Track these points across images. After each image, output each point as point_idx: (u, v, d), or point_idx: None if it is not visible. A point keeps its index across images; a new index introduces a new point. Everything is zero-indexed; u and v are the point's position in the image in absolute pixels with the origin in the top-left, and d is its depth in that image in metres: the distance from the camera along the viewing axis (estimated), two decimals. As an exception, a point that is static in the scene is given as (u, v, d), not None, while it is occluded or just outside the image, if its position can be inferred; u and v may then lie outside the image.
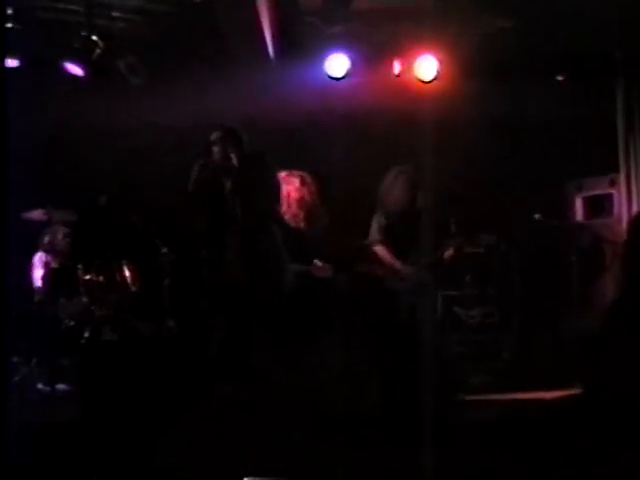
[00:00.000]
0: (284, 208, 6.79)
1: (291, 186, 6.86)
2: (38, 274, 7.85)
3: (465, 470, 4.16)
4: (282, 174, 6.75)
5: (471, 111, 8.07)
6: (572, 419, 3.89)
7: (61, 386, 7.29)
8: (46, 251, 8.01)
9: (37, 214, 7.88)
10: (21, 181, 8.01)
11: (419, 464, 4.11)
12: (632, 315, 3.52)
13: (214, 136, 6.35)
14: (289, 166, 6.85)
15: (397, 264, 7.02)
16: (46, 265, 7.85)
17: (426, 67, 7.95)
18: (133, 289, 7.75)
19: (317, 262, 6.79)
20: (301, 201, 6.88)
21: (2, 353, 3.55)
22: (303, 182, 6.91)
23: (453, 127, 7.69)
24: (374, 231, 7.14)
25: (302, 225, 6.89)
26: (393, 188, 7.07)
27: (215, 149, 6.35)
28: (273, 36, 7.41)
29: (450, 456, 4.27)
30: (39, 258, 8.01)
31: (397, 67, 8.00)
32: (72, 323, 7.53)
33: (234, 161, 6.31)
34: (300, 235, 6.82)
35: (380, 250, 7.09)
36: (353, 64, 7.84)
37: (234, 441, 2.94)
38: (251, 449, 2.94)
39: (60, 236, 8.07)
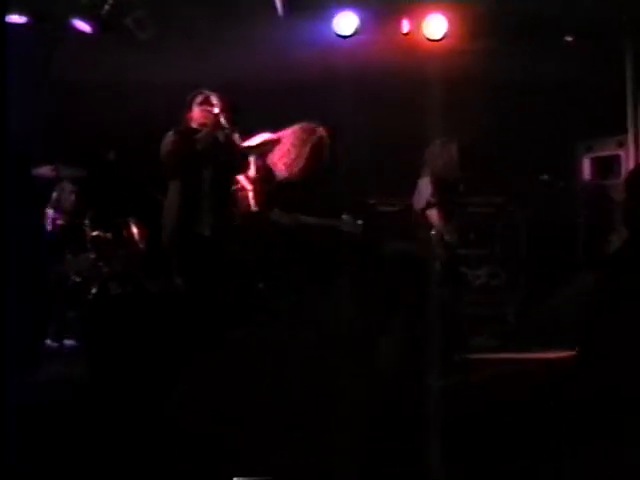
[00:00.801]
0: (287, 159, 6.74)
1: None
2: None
3: (468, 432, 4.20)
4: (295, 127, 6.74)
5: (479, 71, 8.05)
6: (573, 379, 3.91)
7: (69, 342, 7.34)
8: (54, 208, 8.04)
9: (46, 170, 7.89)
10: (30, 137, 8.11)
11: (423, 421, 4.15)
12: (632, 268, 3.52)
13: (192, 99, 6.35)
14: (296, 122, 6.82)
15: (447, 228, 7.04)
16: (53, 221, 7.87)
17: (435, 26, 7.91)
18: (140, 246, 7.76)
19: (345, 217, 6.81)
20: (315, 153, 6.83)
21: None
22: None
23: (461, 86, 7.67)
24: (425, 196, 7.11)
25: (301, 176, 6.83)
26: (441, 156, 7.08)
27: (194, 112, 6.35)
28: (281, -7, 7.39)
29: (453, 414, 4.30)
30: (47, 214, 8.04)
31: (406, 25, 7.96)
32: (79, 279, 7.59)
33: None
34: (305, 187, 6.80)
35: (433, 214, 7.08)
36: (361, 22, 7.81)
37: (245, 389, 2.93)
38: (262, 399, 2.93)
39: (67, 193, 8.08)
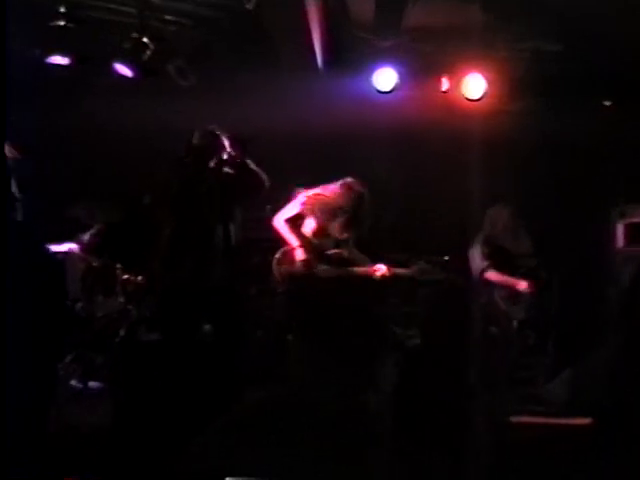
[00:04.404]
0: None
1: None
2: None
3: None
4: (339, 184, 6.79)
5: (517, 131, 8.04)
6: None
7: (93, 383, 7.32)
8: (84, 250, 8.07)
9: (80, 212, 7.93)
10: (66, 179, 8.16)
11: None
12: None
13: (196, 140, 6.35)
14: (334, 178, 6.85)
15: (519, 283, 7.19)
16: (85, 263, 7.90)
17: (474, 85, 7.94)
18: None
19: (380, 266, 6.83)
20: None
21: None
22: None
23: (499, 146, 7.66)
24: (480, 257, 7.22)
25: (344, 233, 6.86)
26: (499, 219, 7.18)
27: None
28: (322, 47, 7.43)
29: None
30: (76, 256, 8.07)
31: (445, 84, 7.99)
32: (107, 321, 7.59)
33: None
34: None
35: (493, 275, 7.22)
36: (401, 78, 7.85)
37: (262, 445, 2.91)
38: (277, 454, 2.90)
39: (99, 235, 8.12)
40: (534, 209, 8.28)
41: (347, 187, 6.84)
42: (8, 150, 4.61)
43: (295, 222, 6.88)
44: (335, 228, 6.84)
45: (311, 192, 6.86)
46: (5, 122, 3.67)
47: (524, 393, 7.45)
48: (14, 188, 4.67)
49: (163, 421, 5.34)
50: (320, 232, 6.85)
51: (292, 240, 6.83)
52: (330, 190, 6.85)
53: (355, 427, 2.61)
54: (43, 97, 8.11)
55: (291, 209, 6.89)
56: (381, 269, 6.85)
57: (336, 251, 6.85)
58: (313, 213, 6.86)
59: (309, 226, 6.88)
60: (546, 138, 8.22)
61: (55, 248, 7.85)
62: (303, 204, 6.86)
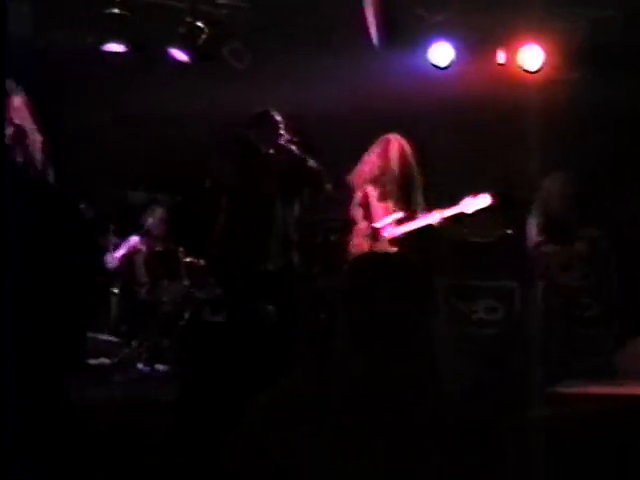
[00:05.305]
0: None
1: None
2: (118, 254, 8.05)
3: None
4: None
5: (575, 101, 7.95)
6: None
7: (160, 366, 7.42)
8: (146, 234, 8.17)
9: (140, 196, 8.03)
10: (127, 165, 8.24)
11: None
12: None
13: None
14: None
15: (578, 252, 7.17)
16: (148, 248, 8.01)
17: (531, 56, 7.84)
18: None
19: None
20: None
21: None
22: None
23: (557, 117, 7.58)
24: (536, 230, 7.17)
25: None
26: (553, 192, 7.14)
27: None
28: (377, 24, 7.41)
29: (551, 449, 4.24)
30: (134, 241, 8.19)
31: (501, 56, 7.92)
32: (172, 305, 7.69)
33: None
34: None
35: (550, 247, 7.16)
36: (457, 53, 7.80)
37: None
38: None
39: (160, 220, 8.21)
40: (592, 179, 8.21)
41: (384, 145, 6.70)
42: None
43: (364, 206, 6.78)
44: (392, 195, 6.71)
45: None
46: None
47: (588, 364, 7.43)
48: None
49: (227, 402, 5.40)
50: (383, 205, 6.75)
51: (360, 229, 6.77)
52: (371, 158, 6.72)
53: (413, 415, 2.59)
54: (100, 85, 8.21)
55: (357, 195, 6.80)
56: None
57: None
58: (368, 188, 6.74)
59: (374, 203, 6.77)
60: (603, 107, 8.11)
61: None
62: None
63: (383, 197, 6.62)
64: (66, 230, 4.65)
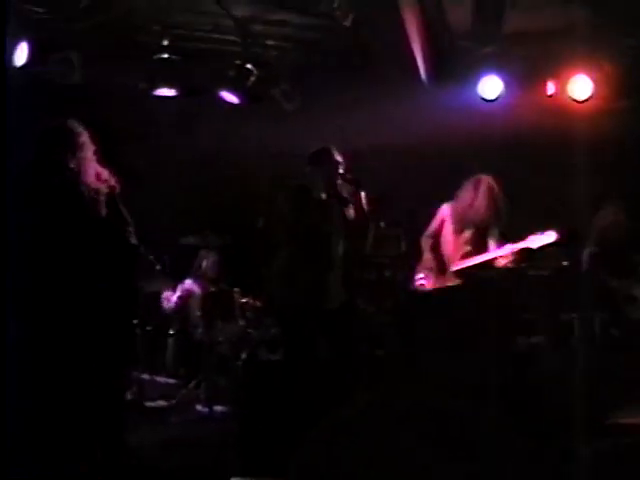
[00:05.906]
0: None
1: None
2: (174, 297, 8.13)
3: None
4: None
5: (624, 130, 7.90)
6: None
7: (218, 407, 7.42)
8: (200, 277, 8.24)
9: (195, 239, 8.09)
10: (180, 207, 8.31)
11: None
12: None
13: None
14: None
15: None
16: (203, 290, 8.06)
17: (580, 87, 7.81)
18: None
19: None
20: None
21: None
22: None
23: (608, 146, 7.53)
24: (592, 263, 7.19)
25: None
26: (607, 223, 7.21)
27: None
28: (424, 59, 7.41)
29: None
30: (188, 284, 8.25)
31: (550, 87, 7.89)
32: (229, 345, 7.70)
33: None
34: None
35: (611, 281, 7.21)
36: (506, 85, 7.79)
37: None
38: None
39: (213, 262, 8.26)
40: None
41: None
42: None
43: (435, 238, 6.90)
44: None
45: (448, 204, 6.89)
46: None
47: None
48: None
49: (285, 439, 5.37)
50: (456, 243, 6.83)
51: (426, 259, 6.90)
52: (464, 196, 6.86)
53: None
54: (153, 129, 8.32)
55: (432, 225, 6.94)
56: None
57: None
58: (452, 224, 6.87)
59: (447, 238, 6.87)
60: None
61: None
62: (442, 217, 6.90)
63: (459, 230, 6.83)
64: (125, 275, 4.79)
